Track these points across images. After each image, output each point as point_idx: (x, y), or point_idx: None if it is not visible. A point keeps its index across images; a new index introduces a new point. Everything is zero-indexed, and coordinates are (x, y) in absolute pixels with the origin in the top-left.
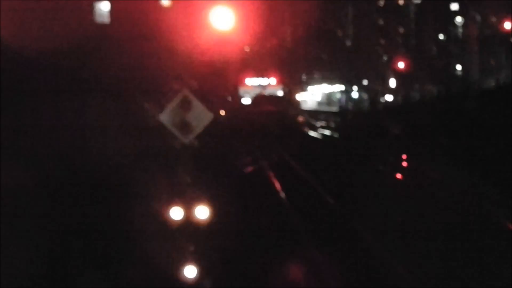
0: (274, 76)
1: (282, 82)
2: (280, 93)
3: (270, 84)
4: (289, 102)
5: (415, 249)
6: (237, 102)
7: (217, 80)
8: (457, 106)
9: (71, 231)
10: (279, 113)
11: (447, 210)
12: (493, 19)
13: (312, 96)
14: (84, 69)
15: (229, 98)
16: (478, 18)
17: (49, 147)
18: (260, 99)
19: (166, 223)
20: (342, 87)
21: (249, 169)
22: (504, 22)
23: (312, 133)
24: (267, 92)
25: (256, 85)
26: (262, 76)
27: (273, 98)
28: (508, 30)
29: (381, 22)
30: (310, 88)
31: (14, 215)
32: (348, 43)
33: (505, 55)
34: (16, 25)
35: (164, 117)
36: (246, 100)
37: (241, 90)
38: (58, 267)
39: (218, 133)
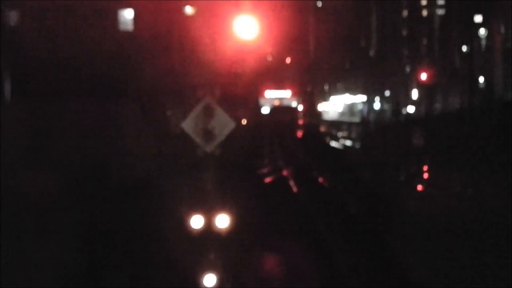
0: (290, 88)
1: (297, 94)
2: (294, 104)
3: (286, 96)
4: (304, 112)
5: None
6: (258, 111)
7: (239, 89)
8: (480, 118)
9: (92, 236)
10: (292, 121)
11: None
12: None
13: (334, 106)
14: (108, 76)
15: (251, 107)
16: (502, 29)
17: (73, 152)
18: (277, 109)
19: (187, 231)
20: (364, 98)
21: (271, 178)
22: None
23: (333, 143)
24: (283, 103)
25: (274, 97)
26: (280, 88)
27: (287, 108)
28: None
29: (404, 32)
30: (332, 98)
31: (40, 215)
32: (371, 53)
33: None
34: (43, 33)
35: (187, 125)
36: (265, 110)
37: (261, 100)
38: (79, 270)
39: (240, 141)
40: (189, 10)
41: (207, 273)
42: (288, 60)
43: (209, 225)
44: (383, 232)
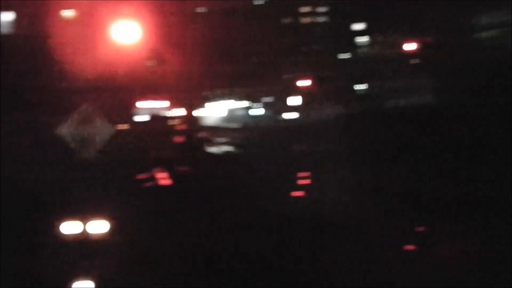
0: (168, 97)
1: (174, 102)
2: (168, 113)
3: (162, 105)
4: (184, 118)
5: None
6: (136, 118)
7: (118, 94)
8: (359, 125)
9: None
10: (169, 129)
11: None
12: (397, 39)
13: (214, 112)
14: None
15: (130, 113)
16: (381, 38)
17: None
18: (154, 118)
19: (63, 236)
20: (244, 104)
21: (150, 183)
22: (408, 42)
23: (213, 150)
24: (159, 112)
25: (151, 105)
26: (157, 96)
27: (161, 118)
28: (411, 49)
29: (286, 39)
30: (212, 104)
31: None
32: (252, 59)
33: (408, 75)
34: None
35: (65, 131)
36: (143, 117)
37: (139, 108)
38: None
39: (119, 146)
40: (69, 13)
41: (83, 280)
42: (166, 67)
43: (85, 230)
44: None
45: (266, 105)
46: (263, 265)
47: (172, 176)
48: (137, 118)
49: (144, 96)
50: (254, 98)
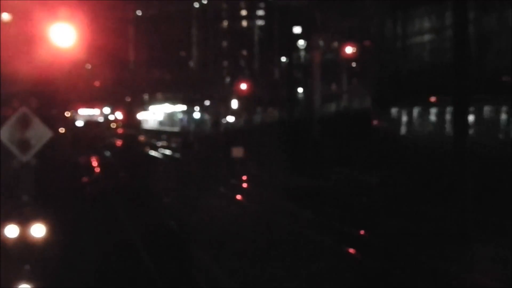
0: (99, 107)
1: (111, 107)
2: (101, 119)
3: (95, 113)
4: (123, 122)
5: None
6: (73, 123)
7: (56, 98)
8: (299, 130)
9: None
10: (101, 134)
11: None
12: (335, 44)
13: (153, 115)
14: None
15: (69, 117)
16: (321, 42)
17: None
18: (89, 124)
19: (2, 240)
20: (184, 107)
21: (90, 188)
22: (346, 47)
23: (153, 153)
24: (93, 118)
25: (86, 113)
26: (94, 103)
27: (97, 123)
28: (349, 54)
29: (224, 43)
30: (151, 107)
31: None
32: (191, 64)
33: (347, 80)
34: None
35: (2, 135)
36: (80, 123)
37: (76, 115)
38: None
39: (58, 150)
40: (5, 16)
41: (22, 284)
42: (104, 70)
43: (24, 235)
44: None
45: (204, 109)
46: None
47: (114, 178)
48: (75, 122)
49: (82, 100)
50: (193, 102)
